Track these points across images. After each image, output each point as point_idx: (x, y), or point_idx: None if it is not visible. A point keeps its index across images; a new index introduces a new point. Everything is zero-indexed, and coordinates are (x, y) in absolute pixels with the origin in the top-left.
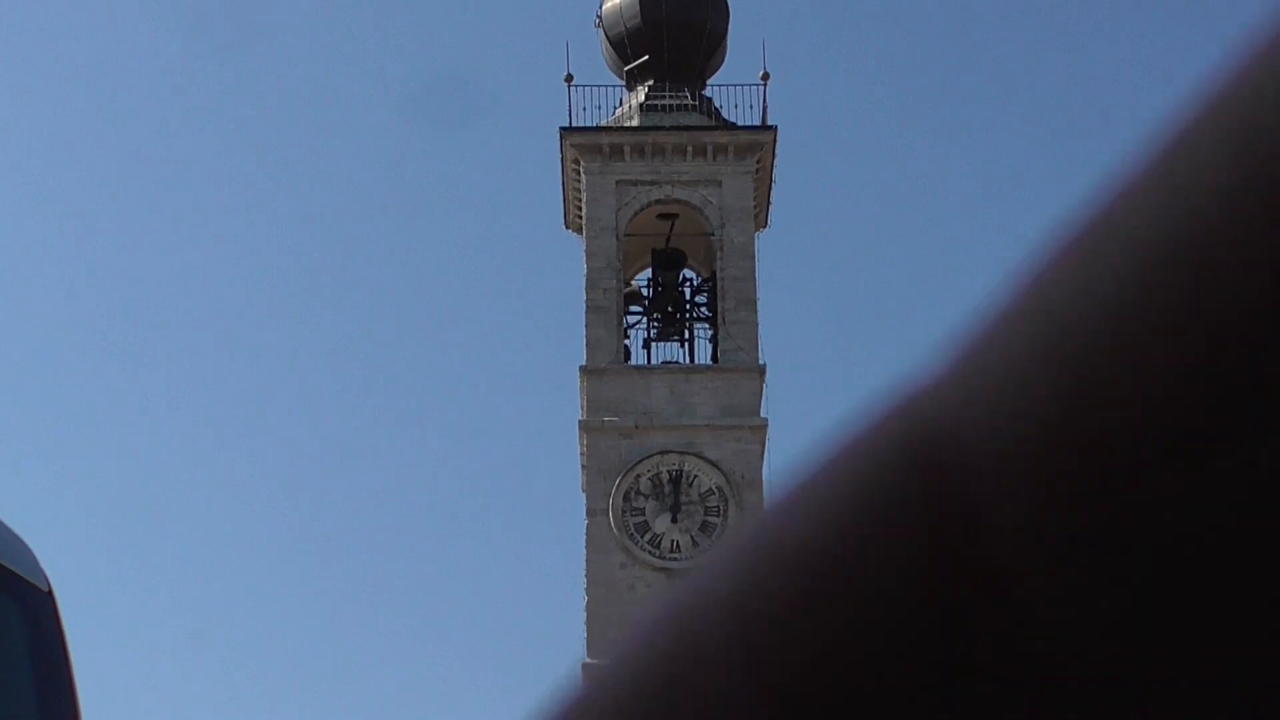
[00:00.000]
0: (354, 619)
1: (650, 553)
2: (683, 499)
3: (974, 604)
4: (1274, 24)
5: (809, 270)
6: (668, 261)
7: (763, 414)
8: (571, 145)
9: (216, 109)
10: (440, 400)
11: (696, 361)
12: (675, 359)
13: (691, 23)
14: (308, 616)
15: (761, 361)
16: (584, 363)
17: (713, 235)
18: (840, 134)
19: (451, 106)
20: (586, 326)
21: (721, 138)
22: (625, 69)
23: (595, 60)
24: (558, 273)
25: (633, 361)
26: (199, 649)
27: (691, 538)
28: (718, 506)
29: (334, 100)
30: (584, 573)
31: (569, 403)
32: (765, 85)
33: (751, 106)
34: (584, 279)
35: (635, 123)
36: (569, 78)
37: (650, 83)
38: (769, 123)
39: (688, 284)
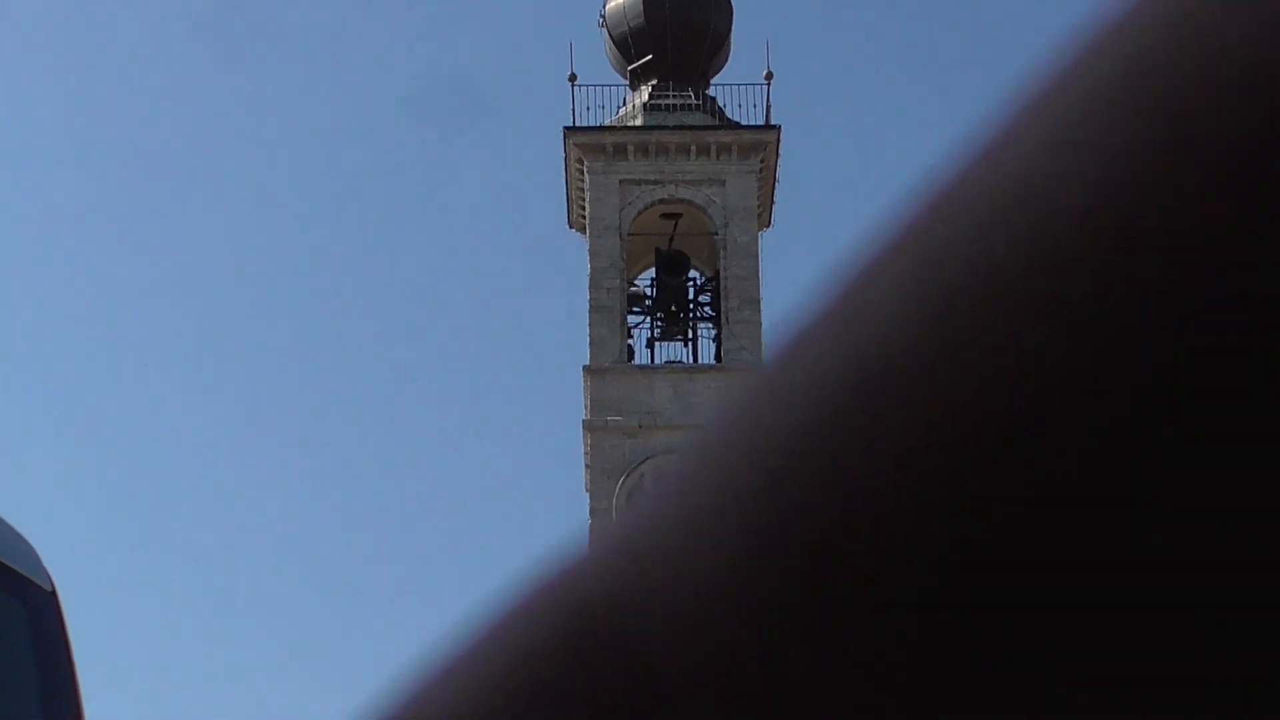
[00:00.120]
0: (357, 619)
1: None
2: None
3: None
4: (959, 163)
5: (812, 270)
6: (672, 267)
7: None
8: (575, 145)
9: (220, 110)
10: (444, 400)
11: (700, 361)
12: (679, 359)
13: (695, 22)
14: (311, 617)
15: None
16: (587, 362)
17: (716, 235)
18: (844, 133)
19: (455, 106)
20: (590, 326)
21: (725, 137)
22: (629, 68)
23: (599, 59)
24: (561, 272)
25: (636, 361)
26: (202, 649)
27: None
28: None
29: (337, 100)
30: None
31: (572, 402)
32: (769, 84)
33: (755, 106)
34: (587, 278)
35: (639, 122)
36: (572, 77)
37: (654, 82)
38: (772, 122)
39: (691, 283)
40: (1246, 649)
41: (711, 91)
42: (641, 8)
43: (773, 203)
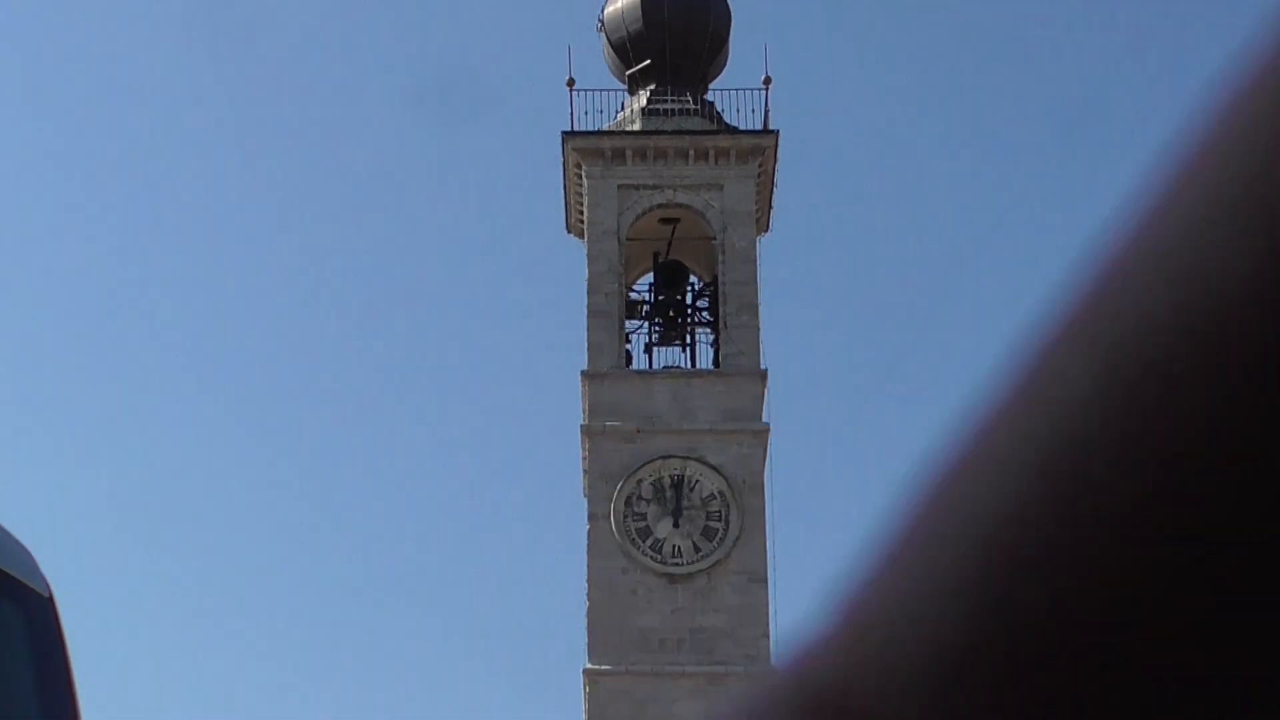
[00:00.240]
0: (357, 624)
1: (652, 557)
2: (684, 503)
3: None
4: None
5: (811, 275)
6: (670, 277)
7: (764, 419)
8: (573, 149)
9: (220, 108)
10: (442, 404)
11: (698, 366)
12: (677, 363)
13: (693, 26)
14: (309, 622)
15: (763, 366)
16: (585, 367)
17: (714, 239)
18: (842, 138)
19: (453, 111)
20: (588, 331)
21: (723, 142)
22: (627, 73)
23: (597, 64)
24: (559, 277)
25: (634, 366)
26: (200, 654)
27: (693, 542)
28: (719, 511)
29: (335, 106)
30: (585, 577)
31: (571, 407)
32: (767, 89)
33: (753, 110)
34: (585, 283)
35: (637, 127)
36: (571, 82)
37: (652, 87)
38: (771, 127)
39: (689, 289)
40: None
41: (710, 96)
42: (640, 12)
43: (771, 208)
